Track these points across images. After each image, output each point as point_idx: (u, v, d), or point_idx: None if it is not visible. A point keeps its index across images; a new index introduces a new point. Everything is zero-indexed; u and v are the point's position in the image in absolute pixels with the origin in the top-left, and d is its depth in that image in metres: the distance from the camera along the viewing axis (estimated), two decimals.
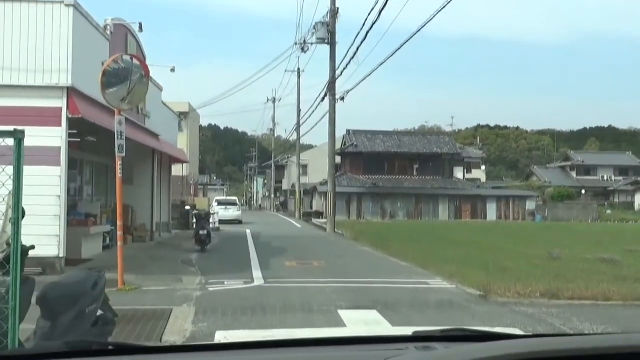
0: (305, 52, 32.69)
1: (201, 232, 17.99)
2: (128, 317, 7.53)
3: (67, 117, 11.35)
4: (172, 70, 20.55)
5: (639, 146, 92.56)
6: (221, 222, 31.71)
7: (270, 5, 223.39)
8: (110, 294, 9.80)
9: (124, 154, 10.70)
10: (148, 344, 2.97)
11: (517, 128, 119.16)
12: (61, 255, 11.46)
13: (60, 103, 11.35)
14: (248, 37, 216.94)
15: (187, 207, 23.21)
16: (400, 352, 1.86)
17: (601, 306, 9.49)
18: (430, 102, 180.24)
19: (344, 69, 25.11)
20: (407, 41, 20.15)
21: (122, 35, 14.97)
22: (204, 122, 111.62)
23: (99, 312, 4.66)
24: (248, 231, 27.90)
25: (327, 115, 28.98)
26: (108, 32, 13.70)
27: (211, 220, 29.10)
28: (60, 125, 11.34)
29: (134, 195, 20.03)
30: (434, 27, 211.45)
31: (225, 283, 11.35)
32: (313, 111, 48.17)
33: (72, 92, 11.41)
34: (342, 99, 27.63)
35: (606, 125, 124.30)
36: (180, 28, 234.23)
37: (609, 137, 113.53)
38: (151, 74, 20.02)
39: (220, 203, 38.68)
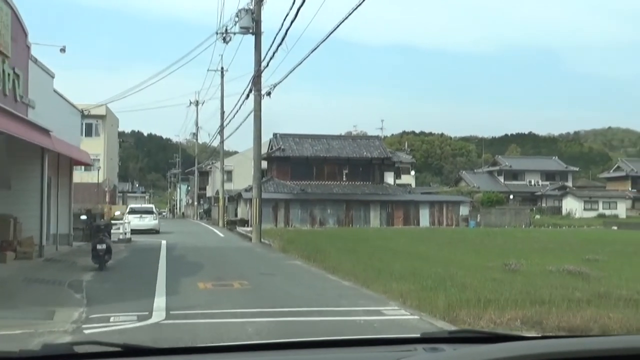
0: (227, 43, 29.67)
1: (99, 247, 14.90)
2: None
3: None
4: (62, 50, 17.31)
5: (558, 152, 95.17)
6: (135, 232, 28.79)
7: (197, 9, 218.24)
8: None
9: None
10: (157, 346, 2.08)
11: (442, 134, 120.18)
12: None
13: None
14: (181, 44, 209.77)
15: (83, 217, 19.78)
16: (408, 354, 1.85)
17: None
18: (357, 108, 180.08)
19: (271, 58, 22.37)
20: (337, 27, 17.68)
21: None
22: (127, 129, 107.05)
23: None
24: (164, 242, 24.91)
25: (252, 113, 26.27)
26: None
27: (120, 230, 25.96)
28: None
29: (16, 203, 16.67)
30: (363, 35, 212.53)
31: (112, 320, 8.37)
32: (237, 110, 45.18)
33: None
34: (269, 94, 24.91)
35: (527, 132, 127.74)
36: (106, 33, 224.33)
37: (529, 143, 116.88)
38: (41, 59, 16.96)
39: (134, 211, 35.33)
